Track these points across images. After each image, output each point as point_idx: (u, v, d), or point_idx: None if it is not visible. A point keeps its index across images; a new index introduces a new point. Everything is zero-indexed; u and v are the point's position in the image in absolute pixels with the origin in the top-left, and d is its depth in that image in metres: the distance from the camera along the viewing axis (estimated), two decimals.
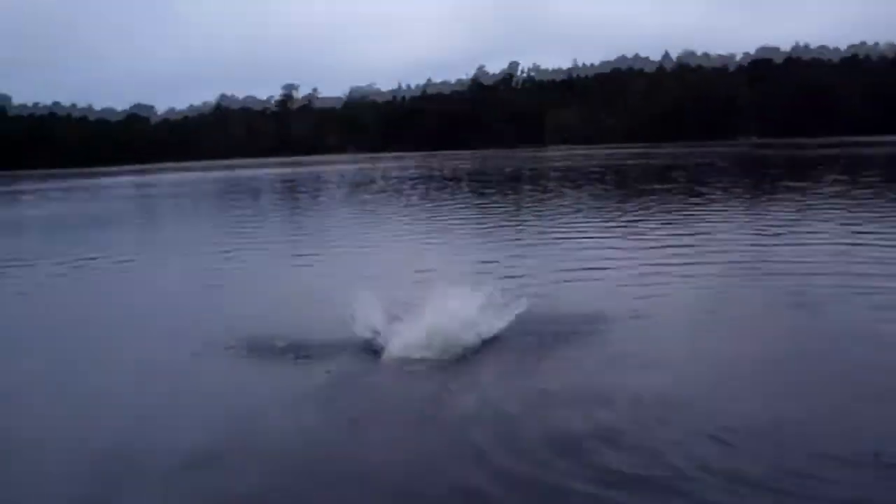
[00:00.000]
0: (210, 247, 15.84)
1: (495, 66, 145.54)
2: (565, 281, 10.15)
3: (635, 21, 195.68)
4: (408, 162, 68.52)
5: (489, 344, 7.11)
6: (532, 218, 19.25)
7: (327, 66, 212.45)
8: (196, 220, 24.42)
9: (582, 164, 46.44)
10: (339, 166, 66.76)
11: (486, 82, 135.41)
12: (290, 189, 38.58)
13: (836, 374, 6.14)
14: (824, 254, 11.35)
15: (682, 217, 17.51)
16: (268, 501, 4.46)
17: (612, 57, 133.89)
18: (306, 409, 5.88)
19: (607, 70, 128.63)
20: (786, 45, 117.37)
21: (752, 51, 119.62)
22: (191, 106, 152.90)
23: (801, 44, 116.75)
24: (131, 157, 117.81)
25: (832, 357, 6.57)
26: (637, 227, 16.17)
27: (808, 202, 19.25)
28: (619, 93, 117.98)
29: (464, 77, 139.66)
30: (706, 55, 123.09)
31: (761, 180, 29.50)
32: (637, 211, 19.39)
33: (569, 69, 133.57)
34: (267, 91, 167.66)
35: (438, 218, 20.00)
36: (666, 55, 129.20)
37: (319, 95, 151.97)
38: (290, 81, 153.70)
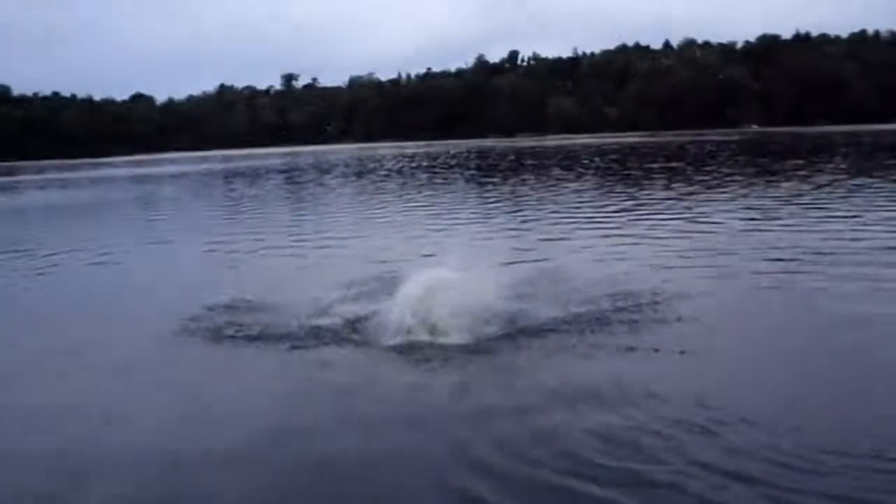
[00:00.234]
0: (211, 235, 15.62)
1: (495, 55, 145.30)
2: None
3: (636, 9, 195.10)
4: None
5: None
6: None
7: (327, 56, 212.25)
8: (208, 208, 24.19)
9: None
10: (341, 155, 66.50)
11: (487, 71, 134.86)
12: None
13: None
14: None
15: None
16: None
17: (612, 45, 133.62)
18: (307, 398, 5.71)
19: (608, 59, 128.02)
20: (787, 33, 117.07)
21: (752, 38, 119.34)
22: (191, 96, 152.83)
23: (803, 31, 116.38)
24: (135, 145, 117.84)
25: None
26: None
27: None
28: (619, 81, 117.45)
29: (464, 66, 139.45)
30: (707, 43, 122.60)
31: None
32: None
33: (569, 58, 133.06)
34: (267, 80, 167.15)
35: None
36: (667, 43, 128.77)
37: (319, 85, 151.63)
38: (290, 71, 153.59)
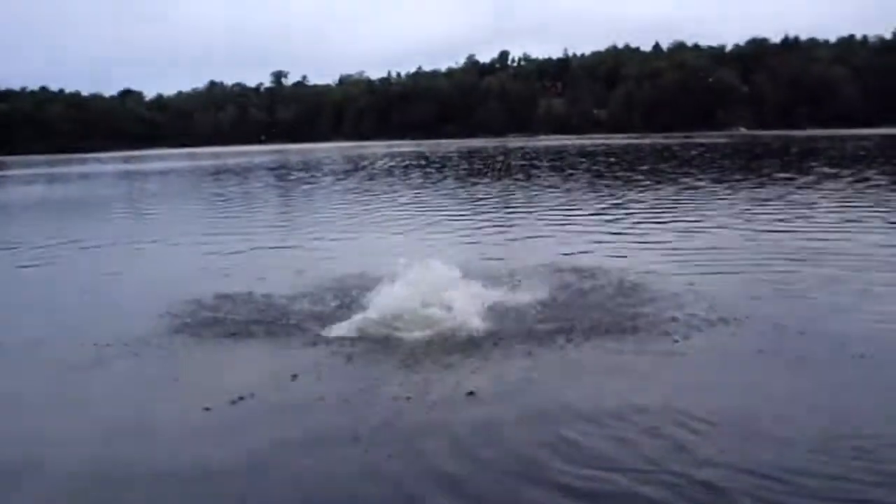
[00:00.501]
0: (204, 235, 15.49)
1: (486, 55, 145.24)
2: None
3: (626, 11, 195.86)
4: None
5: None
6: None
7: (317, 54, 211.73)
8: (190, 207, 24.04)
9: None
10: (330, 153, 66.27)
11: (477, 71, 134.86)
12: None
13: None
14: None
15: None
16: None
17: (602, 47, 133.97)
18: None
19: (598, 60, 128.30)
20: (776, 37, 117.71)
21: (742, 42, 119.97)
22: (180, 92, 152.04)
23: (792, 35, 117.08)
24: (123, 141, 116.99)
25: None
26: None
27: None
28: (609, 83, 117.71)
29: (454, 65, 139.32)
30: (697, 46, 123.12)
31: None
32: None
33: (560, 59, 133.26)
34: (256, 78, 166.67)
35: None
36: (657, 46, 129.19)
37: (309, 83, 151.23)
38: (279, 69, 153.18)
